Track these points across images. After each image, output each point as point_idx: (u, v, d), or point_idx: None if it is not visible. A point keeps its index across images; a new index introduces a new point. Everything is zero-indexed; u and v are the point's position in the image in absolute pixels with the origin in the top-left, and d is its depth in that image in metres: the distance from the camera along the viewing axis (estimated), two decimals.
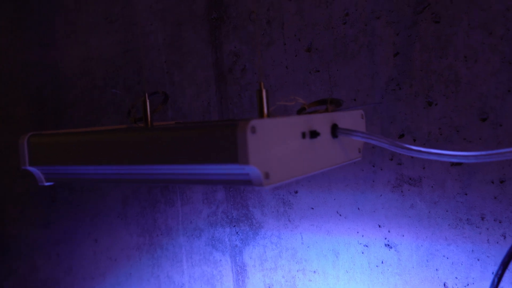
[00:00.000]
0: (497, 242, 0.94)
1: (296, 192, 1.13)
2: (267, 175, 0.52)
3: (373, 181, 1.04)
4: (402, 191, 1.01)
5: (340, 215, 1.08)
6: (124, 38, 1.33)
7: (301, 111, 0.70)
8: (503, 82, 0.90)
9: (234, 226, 1.22)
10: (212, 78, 1.21)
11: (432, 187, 0.98)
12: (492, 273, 0.95)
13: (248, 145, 0.49)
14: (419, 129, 0.98)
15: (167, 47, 1.27)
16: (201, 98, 1.23)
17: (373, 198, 1.04)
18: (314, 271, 1.13)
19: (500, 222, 0.93)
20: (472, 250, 0.96)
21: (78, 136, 0.63)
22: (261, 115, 0.64)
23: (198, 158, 0.53)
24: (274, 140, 0.54)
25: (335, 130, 0.65)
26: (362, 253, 1.07)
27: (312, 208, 1.11)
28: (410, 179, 1.00)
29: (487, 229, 0.94)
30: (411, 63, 0.98)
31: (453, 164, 0.96)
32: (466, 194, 0.95)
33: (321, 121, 0.63)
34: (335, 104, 0.68)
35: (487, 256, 0.95)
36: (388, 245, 1.04)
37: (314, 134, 0.60)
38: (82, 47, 1.41)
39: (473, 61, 0.92)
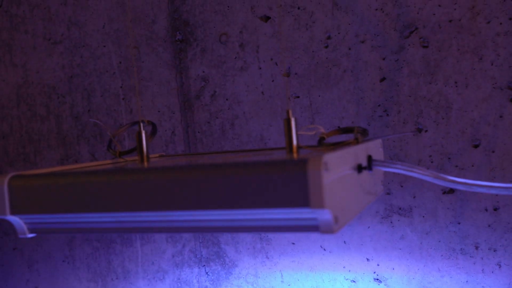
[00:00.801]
0: (492, 272, 0.91)
1: None
2: (336, 219, 0.44)
3: (361, 213, 0.99)
4: (391, 222, 0.97)
5: (324, 249, 1.02)
6: (71, 62, 1.20)
7: (320, 141, 0.63)
8: (494, 108, 0.89)
9: (204, 265, 1.12)
10: (176, 105, 1.11)
11: (423, 216, 0.95)
12: None
13: (323, 186, 0.41)
14: (409, 156, 0.95)
15: (123, 72, 1.15)
16: (163, 126, 1.12)
17: (360, 231, 0.99)
18: None
19: (494, 251, 0.91)
20: (467, 281, 0.93)
21: (75, 178, 0.51)
22: (289, 148, 0.56)
23: (251, 202, 0.44)
24: (339, 178, 0.46)
25: (370, 163, 0.58)
26: None
27: (293, 243, 1.04)
28: (400, 209, 0.96)
29: (482, 258, 0.92)
30: (398, 89, 0.94)
31: (445, 192, 0.93)
32: (459, 223, 0.93)
33: (360, 154, 0.56)
34: (361, 134, 0.61)
35: (482, 287, 0.92)
36: (378, 279, 0.99)
37: (360, 168, 0.53)
38: (19, 70, 1.26)
39: (464, 86, 0.90)
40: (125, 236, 1.18)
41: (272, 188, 0.43)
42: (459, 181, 0.56)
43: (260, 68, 1.04)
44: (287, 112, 0.57)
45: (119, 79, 1.16)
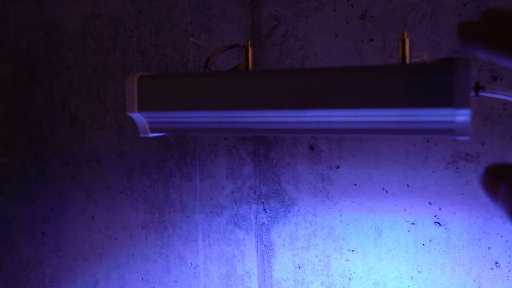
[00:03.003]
0: None
1: (338, 167, 1.07)
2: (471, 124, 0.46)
3: (426, 157, 1.00)
4: (457, 168, 0.99)
5: (386, 192, 1.04)
6: None
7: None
8: None
9: (262, 203, 1.15)
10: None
11: (490, 163, 0.96)
12: None
13: (469, 87, 0.43)
14: (480, 104, 0.96)
15: (194, 8, 1.17)
16: (232, 65, 1.14)
17: (425, 175, 1.01)
18: (353, 250, 1.08)
19: None
20: None
21: (202, 78, 0.53)
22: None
23: (398, 102, 0.46)
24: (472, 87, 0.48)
25: (478, 89, 0.60)
26: (408, 231, 1.03)
27: (355, 185, 1.06)
28: (467, 155, 0.98)
29: None
30: None
31: None
32: None
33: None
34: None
35: None
36: (438, 223, 1.01)
37: (477, 87, 0.55)
38: (88, 2, 1.28)
39: None
40: (185, 171, 1.21)
41: (418, 89, 0.45)
42: None
43: (335, 10, 1.05)
44: (403, 34, 0.58)
45: (188, 15, 1.18)
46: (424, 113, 0.46)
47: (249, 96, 0.51)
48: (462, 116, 0.45)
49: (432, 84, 0.44)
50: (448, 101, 0.43)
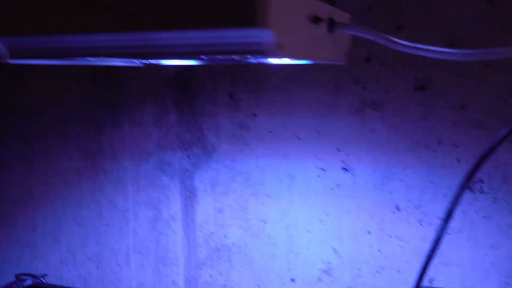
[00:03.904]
0: (452, 166, 0.97)
1: (255, 115, 1.11)
2: (281, 46, 0.49)
3: (336, 105, 1.04)
4: (364, 115, 1.02)
5: (299, 139, 1.08)
6: None
7: None
8: None
9: (186, 149, 1.18)
10: None
11: (393, 111, 1.00)
12: (444, 195, 0.98)
13: (270, 5, 0.45)
14: (387, 53, 0.99)
15: None
16: None
17: (334, 122, 1.05)
18: (268, 195, 1.12)
19: (456, 147, 0.97)
20: (427, 174, 0.99)
21: None
22: None
23: (200, 22, 0.48)
24: (291, 12, 0.51)
25: (332, 24, 0.63)
26: (318, 176, 1.07)
27: (271, 132, 1.10)
28: (372, 103, 1.01)
29: (443, 153, 0.98)
30: None
31: (416, 88, 0.98)
32: (426, 119, 0.98)
33: (323, 11, 0.60)
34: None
35: (441, 180, 0.98)
36: (345, 168, 1.05)
37: (316, 20, 0.58)
38: None
39: None
40: (115, 118, 1.24)
41: (215, 6, 0.47)
42: (408, 45, 0.61)
43: None
44: None
45: None
46: (225, 35, 0.49)
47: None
48: (265, 36, 0.47)
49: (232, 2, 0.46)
50: (247, 19, 0.46)
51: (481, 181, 0.96)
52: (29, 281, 1.22)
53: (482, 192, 0.96)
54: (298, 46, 0.55)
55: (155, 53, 0.54)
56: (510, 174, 0.94)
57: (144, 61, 0.77)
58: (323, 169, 1.07)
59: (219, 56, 0.52)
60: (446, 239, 0.99)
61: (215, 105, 1.14)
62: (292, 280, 1.13)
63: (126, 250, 1.28)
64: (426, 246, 1.00)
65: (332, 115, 1.04)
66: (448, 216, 0.82)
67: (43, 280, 1.23)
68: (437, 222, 0.99)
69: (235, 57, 0.53)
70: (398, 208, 1.02)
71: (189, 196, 1.19)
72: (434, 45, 0.62)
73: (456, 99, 0.95)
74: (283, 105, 1.08)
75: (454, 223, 0.98)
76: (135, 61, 0.78)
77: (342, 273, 1.08)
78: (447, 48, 0.63)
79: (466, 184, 0.80)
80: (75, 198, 1.32)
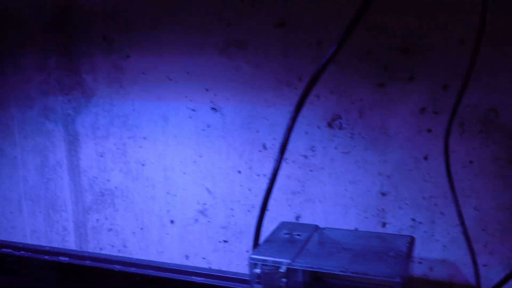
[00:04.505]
0: (312, 103, 0.98)
1: (128, 56, 1.10)
2: None
3: (203, 44, 1.03)
4: (229, 54, 1.02)
5: (170, 80, 1.07)
6: None
7: None
8: None
9: (67, 94, 1.17)
10: None
11: (256, 49, 0.99)
12: (306, 132, 0.99)
13: None
14: None
15: None
16: None
17: (201, 62, 1.04)
18: (144, 138, 1.12)
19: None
20: (289, 111, 0.99)
21: None
22: None
23: None
24: None
25: None
26: (190, 117, 1.07)
27: (144, 73, 1.09)
28: (236, 41, 1.00)
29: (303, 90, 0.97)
30: None
31: (276, 25, 0.97)
32: (287, 56, 0.98)
33: None
34: None
35: (302, 117, 0.99)
36: (214, 108, 1.05)
37: None
38: None
39: None
40: None
41: None
42: None
43: None
44: None
45: None
46: None
47: None
48: None
49: None
50: None
51: (339, 117, 0.96)
52: None
53: (340, 128, 0.97)
54: None
55: None
56: (365, 110, 0.94)
57: None
58: (193, 110, 1.07)
59: None
60: (309, 176, 1.00)
61: (91, 47, 1.12)
62: (172, 222, 1.14)
63: (18, 197, 1.28)
64: (292, 183, 1.01)
65: (200, 55, 1.04)
66: (282, 148, 0.82)
67: None
68: (300, 160, 1.00)
69: None
70: (264, 147, 1.03)
71: (72, 141, 1.19)
72: None
73: (314, 36, 0.95)
74: (154, 45, 1.07)
75: (316, 160, 0.99)
76: None
77: (217, 213, 1.09)
78: None
79: (297, 115, 0.80)
80: None
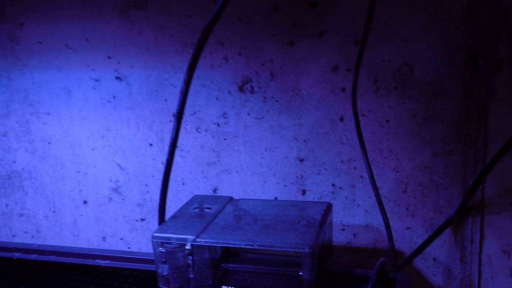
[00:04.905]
0: (220, 66, 0.90)
1: (22, 24, 1.00)
2: None
3: (100, 7, 0.94)
4: (129, 17, 0.93)
5: (69, 48, 0.98)
6: None
7: None
8: None
9: None
10: None
11: (157, 10, 0.91)
12: (216, 98, 0.92)
13: None
14: None
15: None
16: None
17: (101, 27, 0.95)
18: (48, 113, 1.03)
19: (222, 44, 0.89)
20: (198, 77, 0.92)
21: None
22: None
23: None
24: None
25: None
26: (94, 88, 0.99)
27: (40, 43, 0.99)
28: (136, 2, 0.92)
29: (211, 52, 0.90)
30: None
31: None
32: (190, 17, 0.90)
33: None
34: None
35: (211, 82, 0.91)
36: (119, 77, 0.97)
37: None
38: None
39: None
40: None
41: None
42: None
43: None
44: None
45: None
46: None
47: None
48: None
49: None
50: None
51: (250, 80, 0.89)
52: None
53: (252, 92, 0.90)
54: None
55: None
56: (276, 70, 0.87)
57: None
58: (97, 80, 0.98)
59: None
60: (224, 145, 0.94)
61: None
62: (85, 202, 1.06)
63: None
64: (206, 154, 0.94)
65: (99, 19, 0.95)
66: (178, 115, 0.75)
67: None
68: (213, 128, 0.93)
69: None
70: (175, 116, 0.95)
71: None
72: None
73: None
74: (49, 11, 0.97)
75: (229, 128, 0.93)
76: None
77: (131, 190, 1.02)
78: None
79: (190, 78, 0.73)
80: None
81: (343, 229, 0.92)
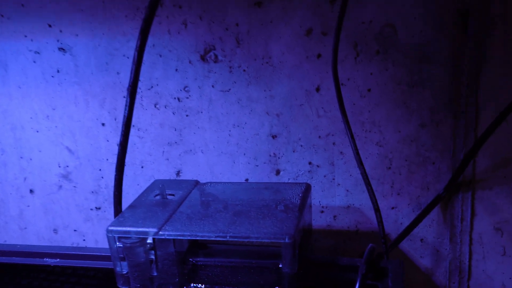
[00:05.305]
0: (179, 32, 0.79)
1: None
2: None
3: None
4: None
5: (2, 16, 0.85)
6: None
7: None
8: None
9: None
10: None
11: None
12: (176, 69, 0.81)
13: None
14: None
15: None
16: None
17: None
18: None
19: (180, 7, 0.78)
20: (153, 45, 0.81)
21: None
22: None
23: None
24: None
25: None
26: (34, 62, 0.86)
27: None
28: None
29: (167, 16, 0.79)
30: None
31: None
32: None
33: None
34: None
35: (169, 51, 0.80)
36: (62, 48, 0.84)
37: None
38: None
39: None
40: None
41: None
42: None
43: None
44: None
45: None
46: None
47: None
48: None
49: None
50: None
51: (213, 47, 0.79)
52: None
53: (216, 61, 0.79)
54: None
55: None
56: (243, 36, 0.77)
57: None
58: (38, 52, 0.85)
59: None
60: (186, 122, 0.83)
61: None
62: (31, 191, 0.94)
63: None
64: (166, 133, 0.84)
65: None
66: (131, 89, 0.64)
67: None
68: (174, 103, 0.83)
69: None
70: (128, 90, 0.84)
71: None
72: None
73: None
74: None
75: (191, 102, 0.82)
76: None
77: (83, 176, 0.91)
78: None
79: (143, 44, 0.62)
80: None
81: (322, 211, 0.83)
